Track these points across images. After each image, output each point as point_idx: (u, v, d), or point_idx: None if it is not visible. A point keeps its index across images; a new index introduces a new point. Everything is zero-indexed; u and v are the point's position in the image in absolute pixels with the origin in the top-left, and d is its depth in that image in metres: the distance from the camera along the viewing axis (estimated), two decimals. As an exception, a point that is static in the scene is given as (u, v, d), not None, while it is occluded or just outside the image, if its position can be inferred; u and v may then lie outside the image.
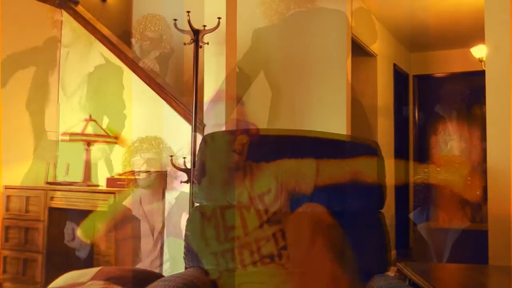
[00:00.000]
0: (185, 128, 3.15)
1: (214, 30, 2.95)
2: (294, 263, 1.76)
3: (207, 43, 3.01)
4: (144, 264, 3.04)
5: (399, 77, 6.03)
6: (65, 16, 3.78)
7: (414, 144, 6.48)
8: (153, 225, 3.10)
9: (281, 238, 1.81)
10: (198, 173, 1.96)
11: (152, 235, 3.09)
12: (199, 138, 2.79)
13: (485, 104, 2.88)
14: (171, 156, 2.94)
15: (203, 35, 2.97)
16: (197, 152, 2.03)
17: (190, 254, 1.88)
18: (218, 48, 3.11)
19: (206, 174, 1.94)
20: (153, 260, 3.07)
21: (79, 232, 3.03)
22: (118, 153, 3.43)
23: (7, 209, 3.31)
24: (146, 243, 3.07)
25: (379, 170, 1.91)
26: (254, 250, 1.81)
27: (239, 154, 1.91)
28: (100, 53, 3.62)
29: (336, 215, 1.85)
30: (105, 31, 3.69)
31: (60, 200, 3.18)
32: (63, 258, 3.17)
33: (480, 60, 5.30)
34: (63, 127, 3.65)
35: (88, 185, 3.29)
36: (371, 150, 1.95)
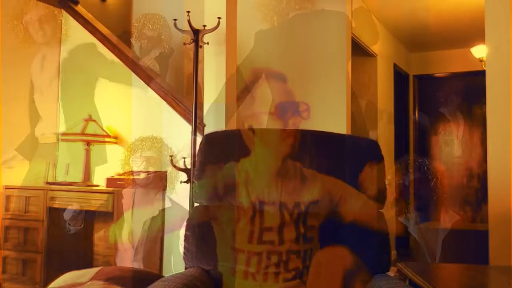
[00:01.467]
0: (185, 128, 3.15)
1: (214, 30, 2.95)
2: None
3: (207, 43, 3.01)
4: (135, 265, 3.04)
5: (399, 77, 6.02)
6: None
7: (414, 144, 6.48)
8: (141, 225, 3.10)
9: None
10: (198, 173, 1.95)
11: (141, 236, 3.08)
12: (199, 138, 2.79)
13: (485, 104, 2.88)
14: (171, 156, 2.94)
15: (203, 35, 2.97)
16: (197, 152, 2.03)
17: (189, 254, 1.87)
18: (218, 48, 3.11)
19: (207, 174, 1.93)
20: (141, 262, 3.06)
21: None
22: (118, 153, 3.43)
23: (7, 209, 3.31)
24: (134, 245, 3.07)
25: (379, 170, 1.91)
26: (257, 255, 1.78)
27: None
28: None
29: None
30: (105, 31, 3.69)
31: (60, 200, 3.18)
32: (63, 258, 3.17)
33: (480, 60, 5.30)
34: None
35: (88, 185, 3.28)
36: (372, 150, 1.95)
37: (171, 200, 3.16)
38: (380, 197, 1.92)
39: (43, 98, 3.64)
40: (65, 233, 3.17)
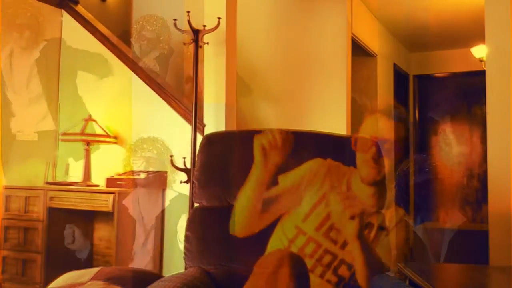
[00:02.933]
0: (185, 128, 3.15)
1: (214, 30, 2.95)
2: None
3: (207, 43, 3.01)
4: (140, 265, 3.04)
5: (399, 77, 6.02)
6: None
7: (414, 144, 6.47)
8: (148, 225, 3.10)
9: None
10: (198, 173, 1.95)
11: (145, 235, 3.08)
12: (199, 138, 2.79)
13: (485, 104, 2.88)
14: (171, 156, 2.94)
15: (203, 35, 2.97)
16: (197, 152, 2.03)
17: (190, 254, 1.87)
18: (218, 48, 3.11)
19: (207, 174, 1.93)
20: (148, 261, 3.06)
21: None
22: (117, 153, 3.43)
23: (7, 209, 3.31)
24: (139, 244, 3.07)
25: (379, 169, 1.91)
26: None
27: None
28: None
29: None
30: (105, 31, 3.68)
31: (60, 200, 3.18)
32: (63, 258, 3.17)
33: (480, 60, 5.30)
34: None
35: (88, 185, 3.28)
36: (371, 150, 1.94)
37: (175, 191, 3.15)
38: (380, 197, 1.92)
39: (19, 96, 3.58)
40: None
